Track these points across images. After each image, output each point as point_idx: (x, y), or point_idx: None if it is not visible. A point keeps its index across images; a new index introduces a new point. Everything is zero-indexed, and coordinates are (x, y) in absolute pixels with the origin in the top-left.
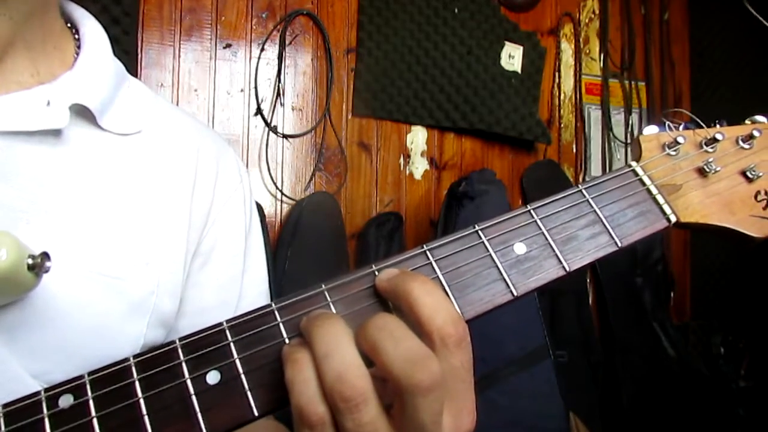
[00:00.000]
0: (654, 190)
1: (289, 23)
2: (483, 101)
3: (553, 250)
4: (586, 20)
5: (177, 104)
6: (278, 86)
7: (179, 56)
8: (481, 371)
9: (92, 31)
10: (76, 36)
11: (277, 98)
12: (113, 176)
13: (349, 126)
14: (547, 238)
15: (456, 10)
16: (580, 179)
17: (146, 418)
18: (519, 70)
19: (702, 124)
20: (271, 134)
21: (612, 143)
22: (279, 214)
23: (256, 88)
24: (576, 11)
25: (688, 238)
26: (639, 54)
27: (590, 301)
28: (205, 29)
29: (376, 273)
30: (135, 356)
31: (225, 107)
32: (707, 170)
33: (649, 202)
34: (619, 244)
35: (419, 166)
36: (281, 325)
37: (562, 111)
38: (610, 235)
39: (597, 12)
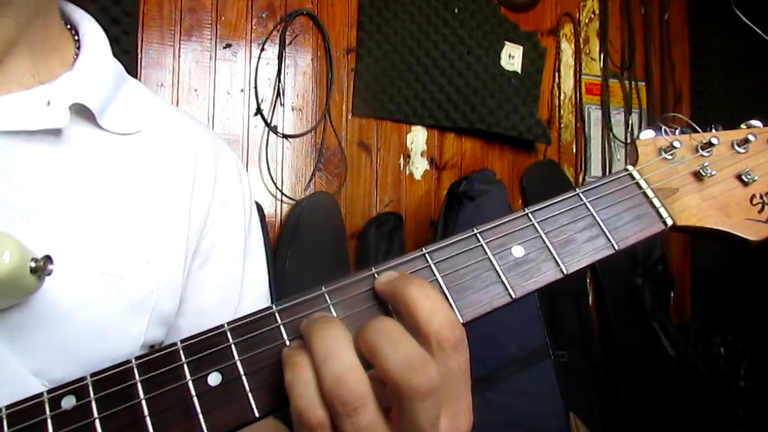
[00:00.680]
0: (650, 194)
1: (289, 23)
2: (483, 101)
3: (551, 253)
4: (586, 20)
5: (177, 104)
6: (278, 86)
7: (179, 56)
8: (481, 371)
9: (91, 31)
10: (76, 37)
11: (277, 98)
12: (113, 175)
13: (349, 126)
14: (544, 241)
15: (456, 10)
16: (580, 179)
17: (148, 419)
18: (519, 70)
19: (698, 128)
20: (271, 134)
21: (612, 143)
22: (279, 214)
23: (256, 88)
24: (576, 11)
25: (688, 239)
26: (639, 54)
27: (590, 301)
28: (205, 29)
29: (376, 276)
30: (137, 358)
31: (225, 107)
32: (703, 174)
33: (646, 206)
34: (616, 247)
35: (419, 166)
36: (282, 327)
37: (562, 111)
38: (607, 238)
39: (597, 12)
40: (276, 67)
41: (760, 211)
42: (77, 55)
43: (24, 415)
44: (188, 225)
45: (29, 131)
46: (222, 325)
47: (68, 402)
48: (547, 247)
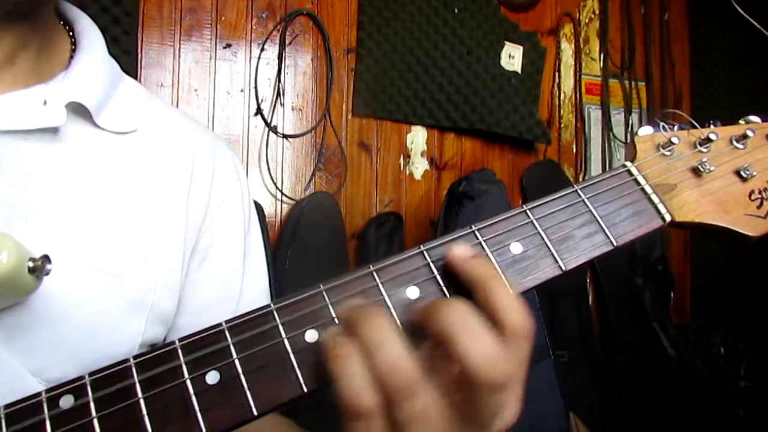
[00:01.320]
0: (649, 190)
1: (289, 23)
2: (483, 101)
3: (549, 250)
4: (586, 20)
5: (177, 104)
6: (278, 86)
7: (179, 56)
8: None
9: (87, 30)
10: (71, 35)
11: (277, 98)
12: (110, 174)
13: (349, 126)
14: (543, 238)
15: (456, 10)
16: (580, 179)
17: (146, 418)
18: (519, 70)
19: (696, 124)
20: (271, 134)
21: (612, 143)
22: (279, 214)
23: (256, 88)
24: (576, 11)
25: (688, 238)
26: (639, 54)
27: (590, 301)
28: (205, 29)
29: (374, 273)
30: (135, 357)
31: (225, 107)
32: (701, 170)
33: (644, 202)
34: (615, 243)
35: (419, 166)
36: (280, 325)
37: (562, 111)
38: (606, 234)
39: (597, 12)
40: (276, 67)
41: (758, 207)
42: (73, 53)
43: (22, 414)
44: (186, 223)
45: (26, 130)
46: (220, 324)
47: (67, 401)
48: (546, 243)
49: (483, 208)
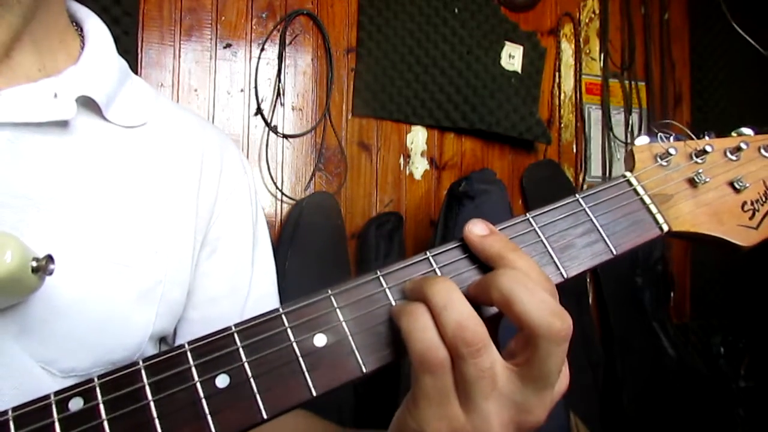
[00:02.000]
0: (647, 200)
1: (289, 23)
2: (483, 101)
3: (552, 258)
4: (586, 20)
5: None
6: (278, 86)
7: (179, 56)
8: None
9: (95, 28)
10: (80, 33)
11: (277, 98)
12: (120, 166)
13: (349, 126)
14: (545, 246)
15: (456, 10)
16: (580, 179)
17: (157, 421)
18: (519, 70)
19: (692, 135)
20: (271, 134)
21: (612, 143)
22: (279, 214)
23: (256, 88)
24: (576, 11)
25: None
26: (639, 54)
27: (590, 301)
28: (205, 29)
29: (381, 279)
30: (144, 360)
31: (225, 107)
32: (697, 181)
33: (643, 212)
34: (614, 252)
35: (419, 166)
36: (289, 329)
37: (562, 111)
38: (606, 243)
39: (597, 12)
40: (276, 67)
41: (750, 218)
42: (82, 50)
43: (31, 417)
44: (196, 216)
45: (37, 123)
46: (229, 327)
47: (76, 404)
48: (548, 251)
49: (483, 208)
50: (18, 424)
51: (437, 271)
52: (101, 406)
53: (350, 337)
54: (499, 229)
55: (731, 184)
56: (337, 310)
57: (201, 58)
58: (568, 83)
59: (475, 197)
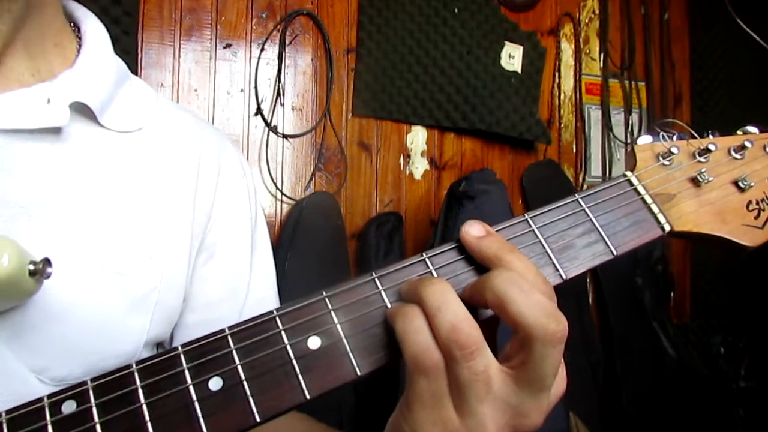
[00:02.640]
0: (648, 200)
1: (289, 23)
2: (483, 101)
3: (550, 258)
4: (586, 20)
5: (177, 104)
6: (278, 86)
7: (179, 56)
8: None
9: (93, 29)
10: (78, 34)
11: (277, 98)
12: (114, 173)
13: (349, 126)
14: (544, 247)
15: (456, 10)
16: (580, 179)
17: (149, 424)
18: (519, 70)
19: (695, 134)
20: (271, 134)
21: (612, 143)
22: (279, 214)
23: (256, 88)
24: (576, 11)
25: None
26: (639, 54)
27: (590, 301)
28: (205, 29)
29: (377, 281)
30: (138, 363)
31: (225, 107)
32: (700, 180)
33: (644, 212)
34: (615, 253)
35: (419, 166)
36: (283, 332)
37: (562, 111)
38: (606, 243)
39: (597, 12)
40: (276, 67)
41: (756, 217)
42: (78, 52)
43: (24, 420)
44: (192, 221)
45: (29, 129)
46: (223, 330)
47: (69, 407)
48: (546, 252)
49: (483, 208)
50: (11, 427)
51: (433, 272)
52: (94, 409)
53: (344, 340)
54: (497, 230)
55: (735, 183)
56: (332, 312)
57: (201, 58)
58: (568, 83)
59: (475, 197)
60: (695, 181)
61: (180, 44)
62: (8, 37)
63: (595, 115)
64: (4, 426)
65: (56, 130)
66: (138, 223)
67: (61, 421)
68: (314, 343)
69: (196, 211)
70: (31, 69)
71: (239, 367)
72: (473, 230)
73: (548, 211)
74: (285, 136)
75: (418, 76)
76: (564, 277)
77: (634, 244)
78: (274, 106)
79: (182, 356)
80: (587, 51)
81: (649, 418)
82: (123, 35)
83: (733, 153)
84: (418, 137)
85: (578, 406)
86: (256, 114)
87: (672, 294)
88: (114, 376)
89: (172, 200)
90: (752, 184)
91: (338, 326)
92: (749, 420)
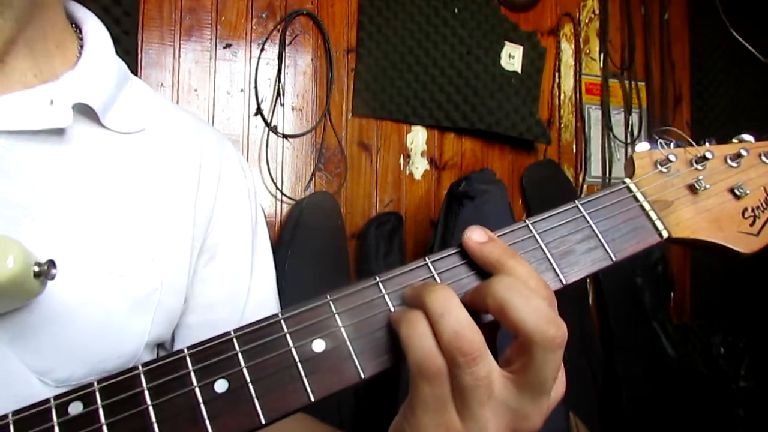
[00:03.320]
0: (647, 206)
1: (289, 23)
2: (483, 101)
3: (551, 264)
4: (586, 20)
5: (177, 104)
6: (278, 86)
7: (179, 56)
8: None
9: (94, 30)
10: (79, 35)
11: (277, 98)
12: (117, 174)
13: (349, 126)
14: (545, 252)
15: (456, 10)
16: (580, 179)
17: (155, 425)
18: (519, 70)
19: (692, 142)
20: (271, 134)
21: (612, 143)
22: (279, 214)
23: (256, 88)
24: (576, 11)
25: None
26: (639, 54)
27: (590, 301)
28: (205, 29)
29: (380, 285)
30: (144, 365)
31: (225, 107)
32: (697, 187)
33: (642, 218)
34: (614, 259)
35: (419, 166)
36: (288, 335)
37: (562, 111)
38: (605, 249)
39: (597, 12)
40: (276, 67)
41: (751, 225)
42: (80, 53)
43: (31, 421)
44: (193, 222)
45: (32, 131)
46: (229, 333)
47: (75, 408)
48: (547, 257)
49: (483, 208)
50: (18, 428)
51: (436, 277)
52: (100, 411)
53: (349, 343)
54: (498, 236)
55: (732, 191)
56: (336, 315)
57: (201, 58)
58: (567, 83)
59: (475, 197)
60: (692, 189)
61: (180, 44)
62: (11, 36)
63: (595, 115)
64: (11, 427)
65: (59, 132)
66: (140, 225)
67: (68, 422)
68: (319, 346)
69: (197, 213)
70: (34, 69)
71: (245, 370)
72: (475, 236)
73: (548, 216)
74: (285, 136)
75: (418, 76)
76: (564, 283)
77: (632, 251)
78: (274, 106)
79: (188, 358)
80: (587, 51)
81: (649, 418)
82: (123, 35)
83: (729, 161)
84: (418, 137)
85: (578, 406)
86: (256, 114)
87: (672, 294)
88: (120, 377)
89: (174, 202)
90: (748, 191)
91: (342, 329)
92: (749, 420)
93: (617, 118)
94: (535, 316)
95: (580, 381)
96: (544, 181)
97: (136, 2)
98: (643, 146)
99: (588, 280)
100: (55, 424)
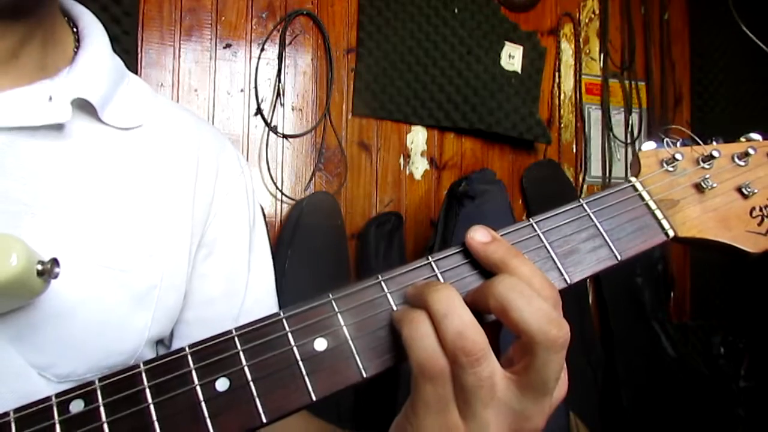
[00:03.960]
0: (653, 205)
1: (289, 23)
2: (483, 101)
3: (555, 263)
4: (586, 20)
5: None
6: (278, 86)
7: (179, 56)
8: None
9: (91, 26)
10: (75, 31)
11: (277, 98)
12: (116, 169)
13: (349, 126)
14: (549, 251)
15: (456, 10)
16: (580, 179)
17: (156, 424)
18: (519, 70)
19: (699, 141)
20: (271, 134)
21: (612, 143)
22: (279, 214)
23: (256, 88)
24: (576, 11)
25: None
26: (639, 54)
27: (590, 301)
28: (205, 29)
29: (382, 284)
30: (145, 363)
31: (225, 107)
32: (704, 186)
33: (648, 217)
34: (619, 258)
35: (419, 166)
36: (289, 334)
37: (562, 111)
38: (610, 248)
39: (597, 12)
40: (276, 67)
41: (759, 224)
42: (77, 49)
43: (32, 419)
44: (191, 218)
45: (32, 127)
46: (230, 331)
47: (76, 406)
48: (551, 257)
49: (483, 208)
50: (19, 426)
51: (439, 276)
52: (102, 409)
53: (350, 342)
54: (502, 234)
55: (739, 190)
56: (338, 314)
57: (201, 58)
58: (568, 83)
59: (475, 197)
60: (699, 188)
61: (180, 44)
62: (27, 33)
63: (595, 115)
64: (13, 425)
65: (58, 127)
66: (139, 221)
67: (69, 420)
68: (321, 344)
69: (196, 209)
70: (40, 64)
71: (246, 368)
72: (478, 235)
73: (553, 215)
74: (285, 136)
75: (418, 76)
76: (569, 282)
77: (638, 250)
78: (274, 106)
79: (189, 357)
80: (587, 51)
81: (649, 418)
82: (123, 35)
83: (736, 160)
84: (418, 137)
85: (578, 406)
86: (256, 114)
87: (672, 294)
88: (121, 375)
89: (172, 197)
90: (756, 190)
91: (344, 328)
92: (749, 420)
93: (617, 118)
94: (537, 317)
95: (580, 381)
96: (544, 181)
97: (136, 2)
98: (649, 145)
99: (588, 280)
100: (57, 421)
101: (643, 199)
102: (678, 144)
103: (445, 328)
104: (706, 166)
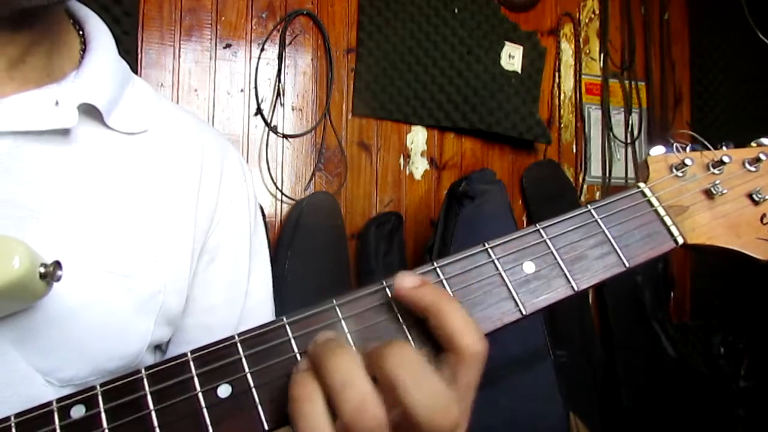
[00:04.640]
0: (662, 212)
1: (289, 23)
2: (483, 101)
3: (562, 270)
4: (586, 20)
5: (177, 104)
6: (278, 86)
7: (179, 56)
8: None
9: (97, 29)
10: (81, 34)
11: (277, 98)
12: (121, 175)
13: (349, 126)
14: (556, 258)
15: (456, 10)
16: (580, 179)
17: (158, 430)
18: (519, 70)
19: (709, 146)
20: (271, 134)
21: (612, 143)
22: (279, 214)
23: (256, 88)
24: (576, 11)
25: None
26: (639, 54)
27: (590, 301)
28: (205, 29)
29: (387, 290)
30: (147, 368)
31: (225, 107)
32: (714, 192)
33: (657, 223)
34: (627, 265)
35: (419, 166)
36: (293, 340)
37: (562, 111)
38: (618, 255)
39: (597, 12)
40: (276, 67)
41: None
42: (83, 53)
43: (33, 423)
44: (195, 224)
45: (38, 131)
46: (232, 337)
47: (78, 411)
48: (558, 263)
49: (483, 208)
50: (20, 431)
51: (444, 283)
52: (103, 415)
53: (354, 348)
54: (509, 240)
55: (750, 196)
56: (342, 320)
57: (201, 58)
58: (568, 83)
59: (475, 197)
60: (709, 194)
61: (180, 44)
62: (36, 37)
63: (595, 115)
64: (14, 429)
65: (64, 132)
66: (143, 226)
67: (70, 425)
68: None
69: (199, 215)
70: (48, 68)
71: (248, 375)
72: (407, 282)
73: (560, 221)
74: (285, 136)
75: (418, 76)
76: (576, 289)
77: (647, 257)
78: (274, 106)
79: (191, 363)
80: (587, 51)
81: (649, 417)
82: (123, 35)
83: (747, 165)
84: (418, 137)
85: (578, 406)
86: (256, 114)
87: (672, 294)
88: (123, 381)
89: (176, 203)
90: (767, 197)
91: (348, 335)
92: (749, 420)
93: (617, 118)
94: (424, 406)
95: (580, 381)
96: (544, 181)
97: (136, 2)
98: (658, 150)
99: None
100: (57, 427)
101: (652, 205)
102: (687, 149)
103: (342, 401)
104: (717, 172)
